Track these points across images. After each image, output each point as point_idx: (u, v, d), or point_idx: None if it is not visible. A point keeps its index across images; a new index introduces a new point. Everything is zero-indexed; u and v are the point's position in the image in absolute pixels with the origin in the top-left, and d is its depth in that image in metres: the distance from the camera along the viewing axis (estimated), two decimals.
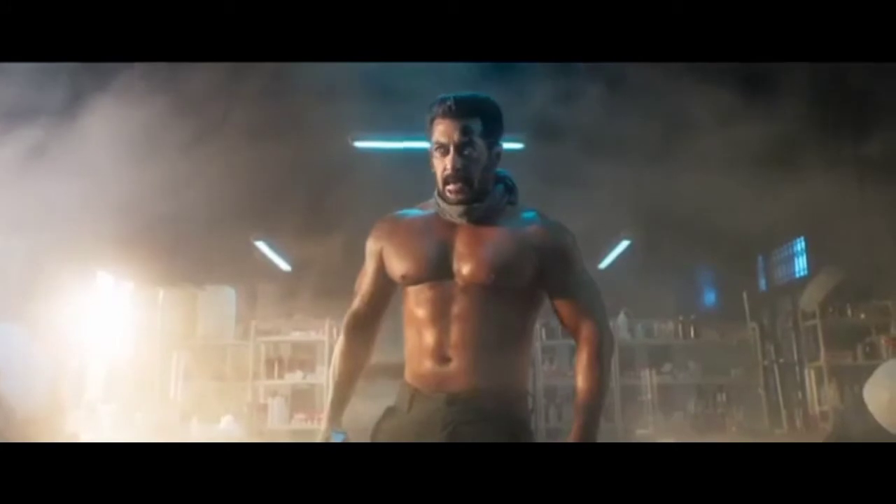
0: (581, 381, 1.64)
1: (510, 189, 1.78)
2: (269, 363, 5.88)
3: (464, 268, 1.65)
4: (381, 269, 1.77)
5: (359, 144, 5.75)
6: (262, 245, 7.40)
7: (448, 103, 1.66)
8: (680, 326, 6.14)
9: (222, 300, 6.00)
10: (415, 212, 1.80)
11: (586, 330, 1.67)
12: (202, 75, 3.95)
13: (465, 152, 1.65)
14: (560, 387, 6.03)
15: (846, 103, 5.42)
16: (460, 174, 1.66)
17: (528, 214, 1.74)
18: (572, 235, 1.72)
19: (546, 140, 5.15)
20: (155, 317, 5.46)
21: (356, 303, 1.83)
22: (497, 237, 1.67)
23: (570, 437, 1.59)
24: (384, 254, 1.76)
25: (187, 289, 5.84)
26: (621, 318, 6.01)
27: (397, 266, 1.72)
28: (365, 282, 1.82)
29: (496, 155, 1.72)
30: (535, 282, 1.68)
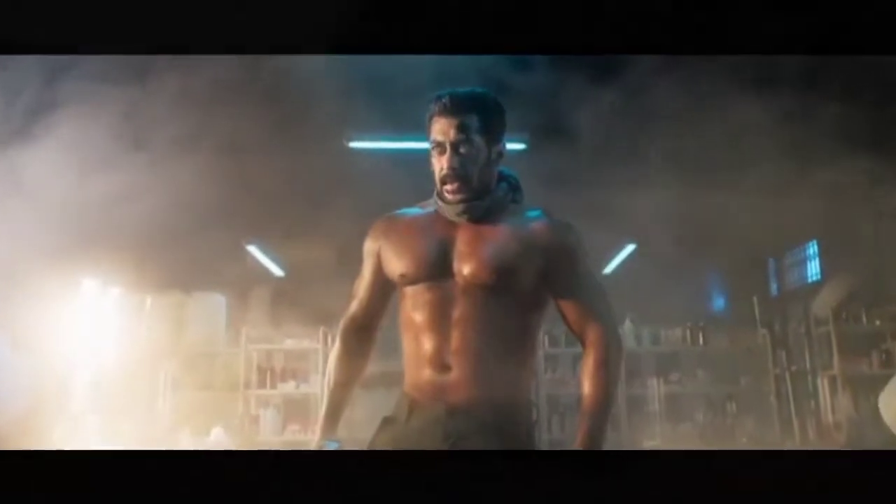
0: (587, 387, 1.59)
1: (514, 188, 1.75)
2: (261, 372, 5.79)
3: (464, 267, 1.61)
4: (379, 270, 1.73)
5: (354, 145, 5.65)
6: (253, 249, 7.32)
7: (444, 100, 1.62)
8: (688, 333, 6.09)
9: (212, 307, 5.89)
10: (414, 210, 1.77)
11: (593, 333, 1.63)
12: (198, 76, 3.87)
13: (462, 150, 1.61)
14: (563, 396, 5.97)
15: (860, 103, 5.36)
16: (457, 173, 1.62)
17: (533, 213, 1.70)
18: (578, 234, 1.67)
19: (551, 141, 5.08)
20: (142, 324, 5.35)
21: (353, 306, 1.79)
22: (499, 236, 1.63)
23: (576, 444, 1.54)
24: (382, 253, 1.72)
25: (175, 295, 5.72)
26: (627, 324, 5.94)
27: (396, 265, 1.68)
28: (362, 284, 1.78)
29: (497, 153, 1.68)
30: (538, 283, 1.63)
